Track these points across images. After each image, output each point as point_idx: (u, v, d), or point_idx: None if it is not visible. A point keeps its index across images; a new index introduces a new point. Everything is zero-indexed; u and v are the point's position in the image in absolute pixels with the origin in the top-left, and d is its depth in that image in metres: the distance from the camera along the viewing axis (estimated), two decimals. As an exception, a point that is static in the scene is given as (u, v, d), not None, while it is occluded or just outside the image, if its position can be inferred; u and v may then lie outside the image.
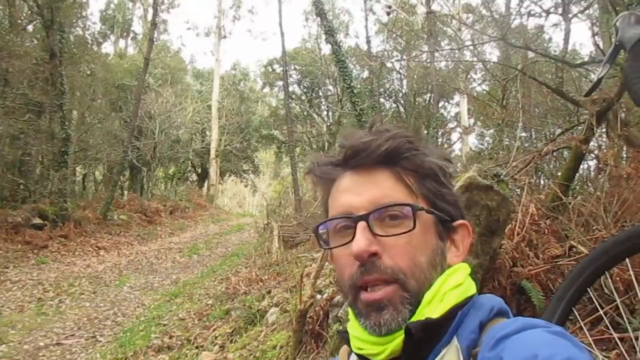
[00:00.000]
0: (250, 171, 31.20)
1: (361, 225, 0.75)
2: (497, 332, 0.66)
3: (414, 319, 0.73)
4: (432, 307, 0.74)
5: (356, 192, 0.78)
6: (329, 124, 25.74)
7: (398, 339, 0.73)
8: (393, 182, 0.78)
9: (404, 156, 0.78)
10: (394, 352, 0.73)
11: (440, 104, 21.83)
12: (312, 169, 0.87)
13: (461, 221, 0.83)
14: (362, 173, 0.79)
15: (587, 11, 7.03)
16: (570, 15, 6.08)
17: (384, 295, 0.73)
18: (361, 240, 0.73)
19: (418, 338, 0.71)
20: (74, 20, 16.88)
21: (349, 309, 0.81)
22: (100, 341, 5.95)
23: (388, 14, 18.69)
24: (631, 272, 1.81)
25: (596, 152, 5.03)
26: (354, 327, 0.80)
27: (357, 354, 0.79)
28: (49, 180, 13.44)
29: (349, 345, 0.81)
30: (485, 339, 0.67)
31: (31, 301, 7.65)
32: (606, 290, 2.91)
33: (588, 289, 1.79)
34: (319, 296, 3.61)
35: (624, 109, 4.82)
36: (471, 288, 0.79)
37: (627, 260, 1.66)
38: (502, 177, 3.56)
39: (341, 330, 0.84)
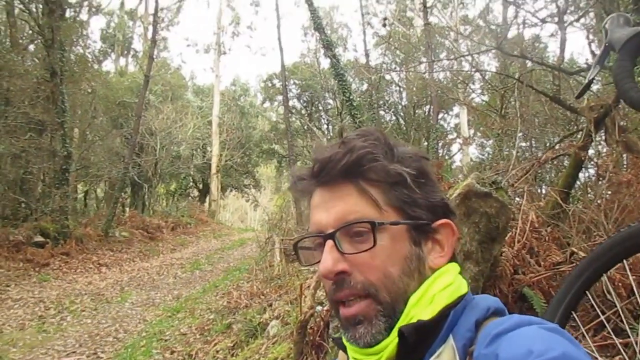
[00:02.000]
0: (251, 186, 31.21)
1: (329, 244, 0.76)
2: (492, 329, 0.66)
3: (403, 322, 0.74)
4: (421, 308, 0.74)
5: (324, 208, 0.78)
6: (329, 137, 25.77)
7: (391, 346, 0.73)
8: (357, 196, 0.77)
9: (365, 168, 0.77)
10: (389, 357, 0.74)
11: (440, 116, 21.87)
12: (291, 185, 0.86)
13: (442, 221, 0.81)
14: (329, 189, 0.79)
15: (582, 20, 7.10)
16: (565, 24, 6.12)
17: (358, 310, 0.74)
18: (327, 260, 0.75)
19: (412, 341, 0.71)
20: (74, 39, 17.00)
21: None
22: (102, 357, 5.90)
23: (384, 25, 18.80)
24: (630, 278, 1.79)
25: (595, 159, 5.04)
26: None
27: None
28: (50, 198, 13.45)
29: (346, 352, 0.81)
30: (481, 337, 0.67)
31: (32, 319, 7.61)
32: (609, 297, 2.90)
33: (587, 292, 1.78)
34: (319, 307, 3.59)
35: (622, 115, 4.83)
36: (462, 287, 0.78)
37: (624, 261, 1.65)
38: (500, 184, 3.56)
39: (336, 338, 0.84)
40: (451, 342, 0.70)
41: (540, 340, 0.60)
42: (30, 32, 14.78)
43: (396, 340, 0.72)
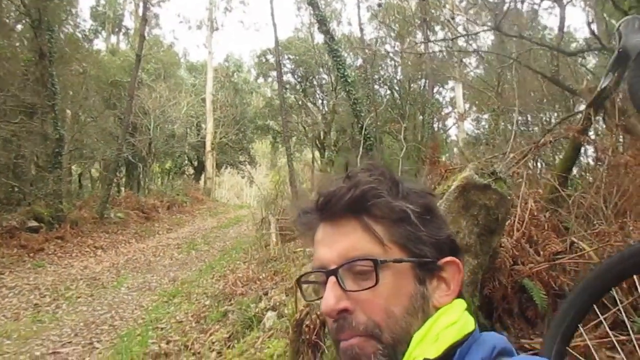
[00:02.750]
0: (246, 162, 31.22)
1: (331, 280, 0.75)
2: None
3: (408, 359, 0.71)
4: (425, 346, 0.72)
5: (327, 244, 0.78)
6: (324, 112, 25.62)
7: None
8: (360, 232, 0.76)
9: (369, 204, 0.76)
10: None
11: (435, 90, 21.75)
12: (295, 219, 0.85)
13: (448, 258, 0.79)
14: (332, 224, 0.78)
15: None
16: (564, 2, 5.97)
17: (356, 343, 0.73)
18: (329, 297, 0.73)
19: None
20: (63, 19, 16.63)
21: None
22: (97, 348, 5.87)
23: (379, 5, 18.51)
24: (638, 284, 1.72)
25: (594, 141, 4.96)
26: None
27: None
28: (43, 181, 13.32)
29: None
30: None
31: (27, 308, 7.55)
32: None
33: (594, 305, 1.72)
34: (315, 303, 3.53)
35: (622, 97, 4.74)
36: (469, 324, 0.76)
37: (635, 277, 1.58)
38: (499, 174, 3.47)
39: None
40: None
41: None
42: (17, 12, 14.39)
43: None
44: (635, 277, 1.59)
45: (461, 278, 0.80)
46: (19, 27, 15.41)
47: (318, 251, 0.79)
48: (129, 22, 28.96)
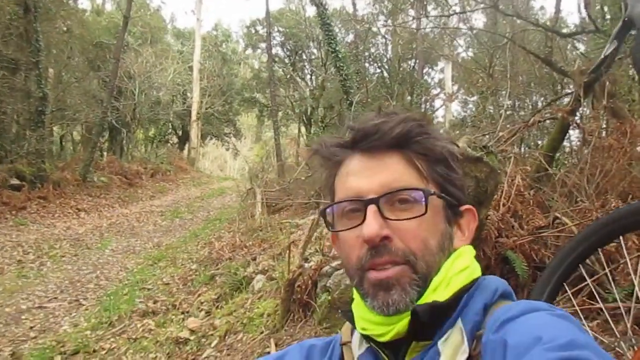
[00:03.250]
0: (231, 134, 30.92)
1: (372, 208, 0.74)
2: (501, 314, 0.67)
3: (421, 301, 0.73)
4: (439, 292, 0.74)
5: (366, 175, 0.77)
6: (312, 88, 25.45)
7: (404, 321, 0.73)
8: (404, 165, 0.77)
9: (415, 140, 0.77)
10: (399, 333, 0.74)
11: (425, 70, 21.75)
12: (318, 149, 0.85)
13: (467, 206, 0.83)
14: (372, 156, 0.78)
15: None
16: (561, -16, 5.99)
17: (393, 274, 0.73)
18: (373, 224, 0.73)
19: (424, 320, 0.71)
20: (48, -27, 16.13)
21: (354, 290, 0.81)
22: (84, 305, 5.92)
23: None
24: (623, 246, 1.82)
25: (581, 123, 5.07)
26: (359, 307, 0.80)
27: (361, 334, 0.80)
28: (25, 140, 13.08)
29: (353, 324, 0.81)
30: (489, 322, 0.68)
31: (11, 263, 7.54)
32: (588, 262, 2.98)
33: (580, 265, 1.82)
34: (306, 265, 3.63)
35: (611, 81, 4.84)
36: (476, 270, 0.79)
37: (620, 238, 1.68)
38: (491, 148, 3.56)
39: (345, 310, 0.84)
40: (459, 325, 0.71)
41: (548, 327, 0.61)
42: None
43: (408, 317, 0.72)
44: (621, 238, 1.69)
45: (475, 226, 0.83)
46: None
47: (352, 182, 0.78)
48: (116, -18, 28.15)
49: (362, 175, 0.78)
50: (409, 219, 0.74)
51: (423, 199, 0.74)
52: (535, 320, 0.63)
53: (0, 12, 12.80)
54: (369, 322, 0.77)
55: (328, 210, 0.82)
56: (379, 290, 0.74)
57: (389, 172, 0.76)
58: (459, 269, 0.77)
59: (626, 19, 1.38)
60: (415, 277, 0.73)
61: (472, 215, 0.83)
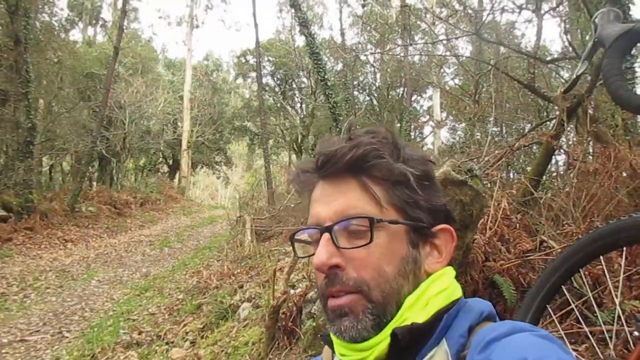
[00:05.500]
0: (222, 163, 30.98)
1: (325, 237, 0.75)
2: (485, 334, 0.66)
3: (396, 323, 0.73)
4: (415, 311, 0.73)
5: (325, 202, 0.78)
6: (302, 116, 25.64)
7: (381, 345, 0.72)
8: (359, 192, 0.76)
9: (369, 164, 0.76)
10: (379, 357, 0.73)
11: (413, 98, 21.99)
12: (293, 177, 0.86)
13: (442, 226, 0.80)
14: (331, 182, 0.78)
15: (558, 8, 7.14)
16: (542, 12, 6.15)
17: (346, 302, 0.73)
18: (322, 252, 0.74)
19: (404, 343, 0.70)
20: (40, 6, 16.31)
21: None
22: (67, 337, 5.77)
23: (363, 6, 18.66)
24: (604, 268, 1.82)
25: (565, 147, 5.13)
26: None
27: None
28: (13, 170, 12.97)
29: (332, 349, 0.81)
30: (474, 342, 0.67)
31: (-6, 296, 7.40)
32: (575, 284, 2.96)
33: (562, 287, 1.80)
34: (292, 291, 3.58)
35: (593, 106, 4.92)
36: (456, 291, 0.78)
37: (601, 257, 1.67)
38: (475, 171, 3.58)
39: (324, 334, 0.83)
40: (444, 346, 0.70)
41: (533, 348, 0.60)
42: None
43: (387, 340, 0.72)
44: (601, 257, 1.68)
45: (453, 246, 0.81)
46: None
47: (314, 209, 0.79)
48: (107, 14, 28.48)
49: (322, 202, 0.78)
50: (358, 247, 0.74)
51: (368, 227, 0.74)
52: (520, 341, 0.63)
53: (-10, 44, 12.88)
54: (345, 347, 0.76)
55: (297, 235, 0.84)
56: (335, 317, 0.75)
57: (344, 199, 0.76)
58: (438, 290, 0.76)
59: (596, 39, 1.40)
60: (369, 305, 0.73)
61: (449, 235, 0.81)
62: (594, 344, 2.08)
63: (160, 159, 28.41)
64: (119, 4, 20.63)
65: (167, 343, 4.94)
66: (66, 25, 24.00)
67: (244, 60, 27.70)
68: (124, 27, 18.32)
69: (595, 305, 2.32)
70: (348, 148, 0.76)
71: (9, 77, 13.00)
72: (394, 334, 0.71)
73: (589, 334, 2.30)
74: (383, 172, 0.76)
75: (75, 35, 26.77)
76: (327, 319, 0.77)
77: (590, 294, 2.37)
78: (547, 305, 1.83)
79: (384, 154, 0.77)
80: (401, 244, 0.76)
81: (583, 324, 2.34)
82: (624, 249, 1.78)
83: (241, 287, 6.06)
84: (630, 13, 4.79)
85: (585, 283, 2.64)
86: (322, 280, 0.76)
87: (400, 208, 0.77)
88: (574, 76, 1.50)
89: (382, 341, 0.72)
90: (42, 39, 15.50)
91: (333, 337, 0.79)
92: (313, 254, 0.77)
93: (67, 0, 26.08)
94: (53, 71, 17.28)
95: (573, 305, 2.25)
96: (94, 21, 27.64)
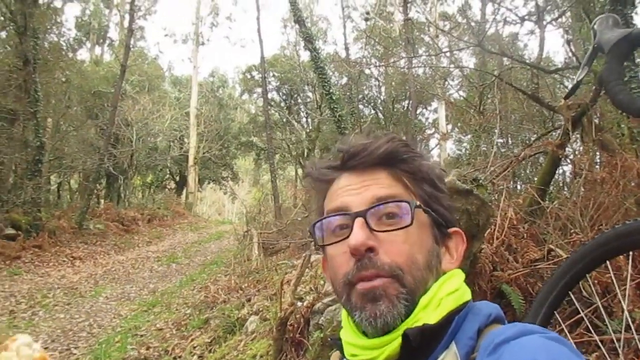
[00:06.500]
0: (229, 178, 31.04)
1: (359, 221, 0.75)
2: (495, 337, 0.66)
3: (409, 323, 0.72)
4: (428, 312, 0.73)
5: (353, 190, 0.79)
6: (308, 130, 25.73)
7: (394, 344, 0.72)
8: (391, 180, 0.79)
9: (401, 158, 0.80)
10: (390, 357, 0.72)
11: (418, 111, 22.04)
12: (309, 171, 0.88)
13: (455, 228, 0.83)
14: (360, 173, 0.80)
15: (560, 19, 7.17)
16: (544, 23, 6.18)
17: (380, 284, 0.72)
18: (360, 233, 0.73)
19: (416, 344, 0.70)
20: (48, 27, 16.55)
21: (343, 312, 0.81)
22: (75, 354, 5.78)
23: (366, 20, 18.81)
24: (612, 275, 1.81)
25: (571, 157, 5.12)
26: (347, 333, 0.80)
27: None
28: (22, 189, 13.08)
29: (342, 352, 0.80)
30: (483, 344, 0.67)
31: (2, 314, 7.40)
32: (584, 293, 2.94)
33: (569, 293, 1.79)
34: (299, 303, 3.57)
35: (598, 115, 4.92)
36: (466, 294, 0.78)
37: (608, 263, 1.66)
38: (481, 181, 3.57)
39: (334, 337, 0.83)
40: (454, 349, 0.70)
41: (543, 351, 0.60)
42: (2, 18, 14.31)
43: (398, 340, 0.71)
44: (607, 262, 1.67)
45: (464, 249, 0.83)
46: (3, 34, 15.32)
47: (341, 198, 0.80)
48: (114, 33, 28.88)
49: (350, 191, 0.79)
50: (396, 229, 0.74)
51: (409, 210, 0.75)
52: (530, 343, 0.62)
53: (0, 65, 13.08)
54: (357, 347, 0.76)
55: (317, 225, 0.82)
56: (367, 301, 0.73)
57: (377, 186, 0.78)
58: (449, 290, 0.76)
59: (595, 45, 1.41)
60: (403, 290, 0.72)
61: (461, 239, 0.83)
62: (605, 353, 2.05)
63: (168, 176, 28.55)
64: (126, 23, 20.92)
65: (174, 358, 4.94)
66: (74, 44, 24.33)
67: (249, 76, 27.92)
68: (131, 46, 18.58)
69: (604, 314, 2.30)
70: (383, 142, 0.80)
71: (18, 96, 13.17)
72: (405, 335, 0.70)
73: (599, 342, 2.28)
74: (411, 166, 0.80)
75: (83, 54, 27.21)
76: (353, 307, 0.75)
77: (599, 302, 2.35)
78: (555, 312, 1.82)
79: (415, 151, 0.81)
80: (428, 236, 0.78)
81: (593, 332, 2.32)
82: (631, 254, 1.77)
83: (249, 300, 6.05)
84: (633, 22, 4.81)
85: (594, 291, 2.62)
86: (350, 267, 0.75)
87: (426, 202, 0.80)
88: (575, 82, 1.51)
89: (393, 340, 0.72)
90: (50, 58, 15.69)
91: (348, 337, 0.78)
92: (337, 242, 0.77)
93: (74, 20, 26.52)
94: (61, 90, 17.50)
95: (582, 314, 2.24)
96: (101, 40, 28.03)
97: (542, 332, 0.65)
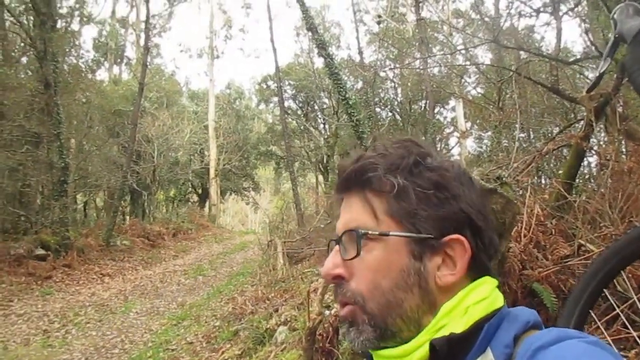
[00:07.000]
0: (250, 188, 31.21)
1: (335, 248, 0.79)
2: (532, 343, 0.64)
3: (431, 330, 0.72)
4: (453, 319, 0.72)
5: (340, 215, 0.81)
6: (326, 136, 25.75)
7: (415, 354, 0.71)
8: (360, 205, 0.78)
9: (365, 178, 0.78)
10: None
11: (436, 110, 21.89)
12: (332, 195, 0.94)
13: (452, 236, 0.75)
14: (345, 197, 0.82)
15: (576, 9, 7.05)
16: (560, 14, 6.08)
17: (347, 313, 0.76)
18: (328, 263, 0.78)
19: (443, 354, 0.69)
20: (67, 50, 16.94)
21: None
22: (109, 370, 5.88)
23: (378, 23, 18.80)
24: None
25: (596, 148, 5.02)
26: None
27: None
28: (49, 210, 13.36)
29: None
30: (521, 350, 0.65)
31: (37, 334, 7.56)
32: (619, 288, 2.86)
33: (604, 290, 1.74)
34: (327, 312, 3.55)
35: (622, 104, 4.81)
36: (497, 301, 0.75)
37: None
38: (504, 179, 3.51)
39: (366, 353, 0.81)
40: (490, 356, 0.68)
41: (584, 355, 0.59)
42: (22, 44, 14.69)
43: (422, 351, 0.71)
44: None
45: (467, 258, 0.75)
46: (24, 59, 15.73)
47: (336, 222, 0.82)
48: (131, 52, 29.37)
49: (339, 216, 0.82)
50: (349, 259, 0.76)
51: (355, 240, 0.75)
52: (569, 349, 0.60)
53: (22, 90, 13.40)
54: (382, 357, 0.76)
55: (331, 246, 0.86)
56: (344, 327, 0.78)
57: (350, 212, 0.79)
58: (478, 299, 0.73)
59: (617, 35, 1.38)
60: (366, 318, 0.74)
61: (461, 245, 0.75)
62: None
63: (190, 189, 28.84)
64: (142, 42, 21.28)
65: (206, 371, 4.96)
66: (92, 65, 24.82)
67: (265, 86, 28.12)
68: (147, 64, 18.88)
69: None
70: (349, 163, 0.80)
71: (41, 120, 13.49)
72: (432, 346, 0.69)
73: (637, 338, 2.22)
74: (379, 184, 0.77)
75: (102, 74, 27.67)
76: None
77: (635, 297, 2.28)
78: (590, 311, 1.77)
79: (378, 167, 0.77)
80: (400, 255, 0.75)
81: (630, 328, 2.26)
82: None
83: (276, 310, 6.05)
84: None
85: (630, 286, 2.55)
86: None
87: (399, 220, 0.75)
88: (597, 74, 1.47)
89: (413, 351, 0.71)
90: (70, 80, 16.05)
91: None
92: None
93: (92, 42, 27.04)
94: (82, 111, 17.86)
95: (618, 310, 2.18)
96: (118, 60, 28.51)
97: (581, 336, 0.63)
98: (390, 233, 0.75)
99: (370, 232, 0.75)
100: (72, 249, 12.73)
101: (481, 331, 0.70)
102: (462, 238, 0.75)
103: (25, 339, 7.25)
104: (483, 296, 0.74)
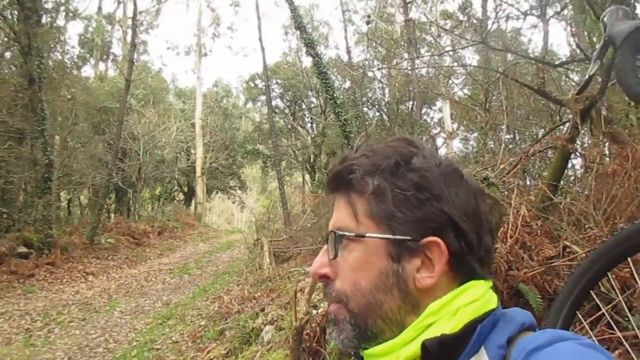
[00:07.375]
0: (237, 187, 31.14)
1: (324, 248, 0.80)
2: (526, 344, 0.64)
3: (416, 327, 0.72)
4: (441, 319, 0.71)
5: (332, 215, 0.83)
6: (313, 135, 25.75)
7: (402, 353, 0.71)
8: (344, 206, 0.79)
9: (347, 180, 0.79)
10: None
11: (423, 111, 21.97)
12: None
13: (429, 239, 0.73)
14: (335, 198, 0.83)
15: (563, 12, 7.12)
16: (547, 17, 6.14)
17: (332, 310, 0.78)
18: (316, 262, 0.80)
19: (435, 354, 0.68)
20: (52, 45, 16.70)
21: None
22: (92, 370, 5.81)
23: (367, 23, 18.83)
24: (633, 270, 1.77)
25: (581, 150, 5.07)
26: None
27: None
28: (32, 207, 13.18)
29: None
30: (515, 352, 0.65)
31: (19, 333, 7.44)
32: (603, 289, 2.89)
33: (590, 292, 1.76)
34: (314, 311, 3.55)
35: (607, 107, 4.87)
36: (491, 302, 0.74)
37: (629, 259, 1.63)
38: (491, 179, 3.53)
39: (357, 354, 0.81)
40: (484, 357, 0.68)
41: (578, 357, 0.59)
42: (6, 39, 14.45)
43: (410, 349, 0.71)
44: (629, 259, 1.63)
45: (444, 260, 0.74)
46: (8, 54, 15.47)
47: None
48: (117, 49, 29.06)
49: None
50: (331, 259, 0.78)
51: (333, 242, 0.78)
52: (564, 350, 0.60)
53: (5, 85, 13.19)
54: (369, 356, 0.76)
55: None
56: (330, 324, 0.81)
57: (337, 213, 0.81)
58: (467, 301, 0.73)
59: (606, 38, 1.39)
60: (348, 315, 0.76)
61: (438, 247, 0.74)
62: (629, 349, 2.02)
63: (176, 187, 28.67)
64: (129, 39, 21.12)
65: (191, 371, 4.92)
66: (78, 62, 24.52)
67: (252, 85, 28.03)
68: (134, 60, 18.71)
69: (626, 309, 2.27)
70: (334, 165, 0.83)
71: (25, 115, 13.28)
72: (424, 347, 0.69)
73: (622, 339, 2.24)
74: (360, 186, 0.77)
75: (87, 71, 27.33)
76: None
77: (620, 298, 2.31)
78: (577, 312, 1.79)
79: (357, 169, 0.77)
80: (378, 257, 0.75)
81: (615, 329, 2.28)
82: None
83: (263, 310, 6.03)
84: (637, 12, 4.76)
85: (614, 287, 2.58)
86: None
87: (378, 222, 0.75)
88: (586, 77, 1.48)
89: (401, 347, 0.72)
90: (55, 76, 15.83)
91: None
92: None
93: (77, 38, 26.72)
94: (67, 107, 17.62)
95: (603, 310, 2.20)
96: (104, 56, 28.19)
97: (575, 338, 0.64)
98: (367, 235, 0.75)
99: (347, 233, 0.77)
100: (55, 247, 12.56)
101: (474, 332, 0.70)
102: (439, 240, 0.73)
103: (6, 338, 7.14)
104: (473, 298, 0.73)
